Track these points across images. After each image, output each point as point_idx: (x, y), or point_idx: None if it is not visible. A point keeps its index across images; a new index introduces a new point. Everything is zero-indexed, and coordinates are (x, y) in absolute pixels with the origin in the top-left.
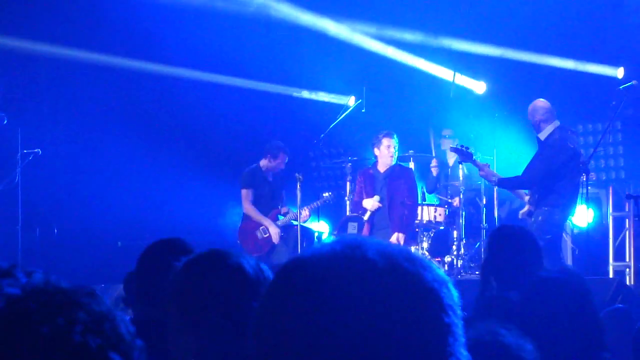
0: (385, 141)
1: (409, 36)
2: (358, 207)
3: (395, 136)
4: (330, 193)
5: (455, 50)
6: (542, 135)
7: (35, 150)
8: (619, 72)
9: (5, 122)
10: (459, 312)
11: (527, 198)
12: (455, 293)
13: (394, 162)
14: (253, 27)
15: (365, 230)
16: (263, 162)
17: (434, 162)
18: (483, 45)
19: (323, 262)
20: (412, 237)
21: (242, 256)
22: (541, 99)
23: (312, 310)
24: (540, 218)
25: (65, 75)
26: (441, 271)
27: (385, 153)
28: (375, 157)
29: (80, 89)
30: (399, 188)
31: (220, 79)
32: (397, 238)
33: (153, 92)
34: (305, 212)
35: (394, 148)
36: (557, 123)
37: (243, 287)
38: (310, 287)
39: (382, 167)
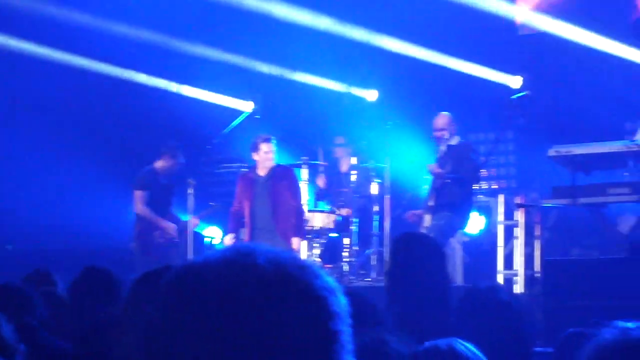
0: (263, 147)
1: None
2: (238, 217)
3: (274, 141)
4: (215, 203)
5: (346, 59)
6: (453, 142)
7: None
8: (516, 82)
9: None
10: (346, 319)
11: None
12: (343, 301)
13: (273, 164)
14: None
15: (246, 235)
16: (159, 164)
17: (320, 177)
18: (373, 54)
19: (213, 269)
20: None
21: None
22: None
23: (200, 317)
24: (442, 222)
25: None
26: (331, 279)
27: (264, 158)
28: (255, 161)
29: None
30: (282, 191)
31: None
32: (298, 243)
33: (47, 90)
34: (195, 221)
35: (273, 153)
36: None
37: None
38: (199, 294)
39: (262, 171)
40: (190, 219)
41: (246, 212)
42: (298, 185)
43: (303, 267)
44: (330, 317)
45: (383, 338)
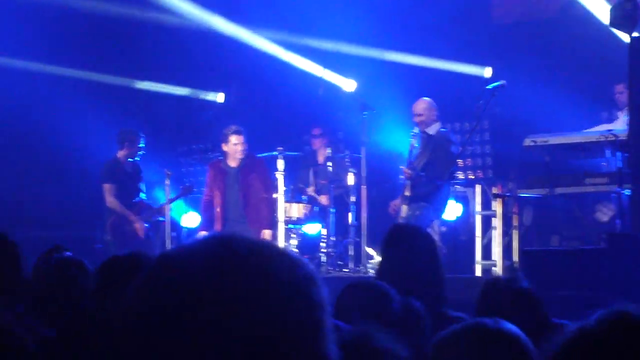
0: (232, 138)
1: (278, 34)
2: (210, 207)
3: (243, 133)
4: (188, 185)
5: (324, 49)
6: (431, 131)
7: None
8: (486, 72)
9: None
10: (327, 308)
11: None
12: (324, 290)
13: (243, 155)
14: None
15: (218, 225)
16: (121, 153)
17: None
18: (352, 45)
19: (193, 259)
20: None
21: None
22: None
23: (180, 307)
24: (417, 212)
25: None
26: (311, 268)
27: (233, 150)
28: (224, 152)
29: None
30: (253, 182)
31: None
32: (269, 235)
33: None
34: (166, 207)
35: (242, 145)
36: None
37: None
38: (179, 284)
39: (232, 162)
40: (165, 206)
41: (217, 202)
42: (269, 176)
43: (283, 256)
44: (313, 306)
45: (368, 334)
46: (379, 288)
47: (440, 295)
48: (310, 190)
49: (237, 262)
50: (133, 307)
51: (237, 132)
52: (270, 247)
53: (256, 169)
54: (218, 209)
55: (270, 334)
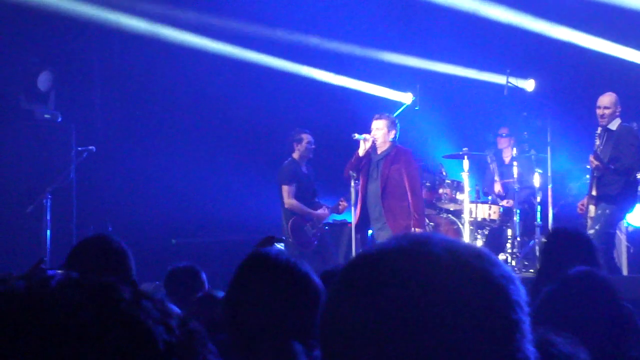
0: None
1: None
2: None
3: (379, 118)
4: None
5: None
6: (613, 126)
7: (90, 147)
8: None
9: (59, 119)
10: (525, 308)
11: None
12: (522, 289)
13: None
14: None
15: (357, 210)
16: (295, 154)
17: (497, 182)
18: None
19: (390, 258)
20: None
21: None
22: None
23: (379, 307)
24: (607, 211)
25: (119, 69)
26: (508, 268)
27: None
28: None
29: (133, 84)
30: (393, 173)
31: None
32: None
33: (204, 88)
34: (343, 203)
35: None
36: None
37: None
38: (377, 284)
39: (378, 149)
40: (338, 204)
41: (360, 188)
42: (415, 168)
43: (480, 256)
44: (511, 305)
45: (548, 339)
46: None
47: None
48: (496, 190)
49: (433, 261)
50: (333, 309)
51: (375, 119)
52: (466, 247)
53: (400, 159)
54: (360, 196)
55: (468, 334)
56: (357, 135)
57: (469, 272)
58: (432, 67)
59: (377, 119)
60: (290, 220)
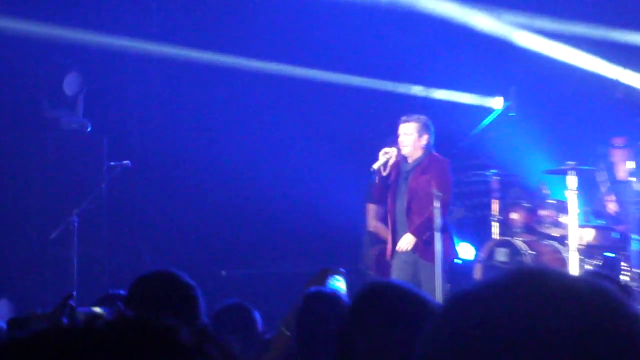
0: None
1: (565, 27)
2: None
3: (407, 121)
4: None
5: (624, 44)
6: None
7: (124, 162)
8: None
9: (88, 129)
10: None
11: None
12: None
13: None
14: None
15: (389, 227)
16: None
17: (611, 200)
18: None
19: (498, 299)
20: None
21: None
22: None
23: (488, 354)
24: None
25: (154, 77)
26: (637, 309)
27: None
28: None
29: (169, 94)
30: (423, 183)
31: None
32: (405, 241)
33: (255, 96)
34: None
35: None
36: None
37: None
38: (482, 328)
39: (408, 159)
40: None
41: (389, 210)
42: (448, 181)
43: (604, 295)
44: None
45: None
46: None
47: None
48: (611, 211)
49: (551, 303)
50: (432, 348)
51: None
52: (588, 284)
53: (433, 169)
54: (389, 211)
55: None
56: (375, 166)
57: (591, 314)
58: (528, 64)
59: (404, 121)
60: (370, 246)
